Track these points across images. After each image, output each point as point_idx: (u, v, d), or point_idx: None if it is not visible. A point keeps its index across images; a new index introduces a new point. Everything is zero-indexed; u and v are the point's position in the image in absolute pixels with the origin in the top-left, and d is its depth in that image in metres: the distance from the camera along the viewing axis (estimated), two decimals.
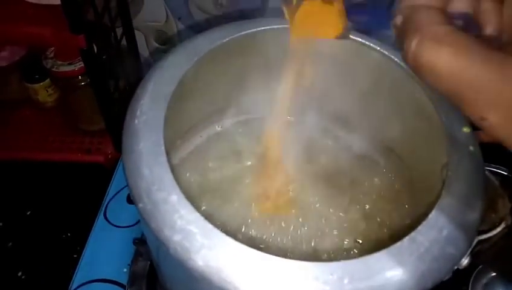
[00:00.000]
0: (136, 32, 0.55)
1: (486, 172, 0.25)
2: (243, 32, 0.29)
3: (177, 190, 0.20)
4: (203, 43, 0.27)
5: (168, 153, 0.21)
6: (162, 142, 0.21)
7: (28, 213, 0.48)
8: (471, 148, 0.24)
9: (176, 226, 0.19)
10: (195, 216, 0.19)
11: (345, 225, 0.29)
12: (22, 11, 0.40)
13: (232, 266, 0.18)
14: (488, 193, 0.24)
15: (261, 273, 0.18)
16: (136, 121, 0.22)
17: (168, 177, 0.20)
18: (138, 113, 0.22)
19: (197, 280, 0.19)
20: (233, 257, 0.18)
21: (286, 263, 0.18)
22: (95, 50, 0.42)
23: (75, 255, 0.44)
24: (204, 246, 0.18)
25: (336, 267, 0.18)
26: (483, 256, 0.25)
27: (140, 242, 0.36)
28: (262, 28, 0.30)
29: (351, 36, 0.30)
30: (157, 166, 0.20)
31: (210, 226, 0.19)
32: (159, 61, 0.25)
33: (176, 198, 0.19)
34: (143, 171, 0.20)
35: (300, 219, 0.29)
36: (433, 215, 0.21)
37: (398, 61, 0.29)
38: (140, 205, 0.20)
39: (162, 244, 0.19)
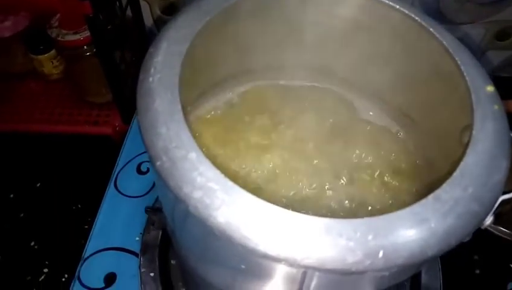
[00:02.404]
0: (141, 2, 0.54)
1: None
2: None
3: (196, 147, 0.19)
4: (216, 1, 0.26)
5: None
6: (178, 100, 0.21)
7: (38, 185, 0.48)
8: (495, 107, 0.23)
9: (196, 183, 0.18)
10: (215, 173, 0.19)
11: (365, 190, 0.28)
12: None
13: (253, 223, 0.18)
14: None
15: (282, 230, 0.18)
16: (151, 79, 0.21)
17: (186, 134, 0.20)
18: (152, 71, 0.22)
19: (217, 238, 0.19)
20: (254, 214, 0.18)
21: (309, 219, 0.18)
22: (101, 19, 0.41)
23: (85, 226, 0.44)
24: (225, 202, 0.18)
25: (359, 223, 0.18)
26: (504, 218, 0.24)
27: (152, 211, 0.36)
28: None
29: None
30: (174, 124, 0.20)
31: (230, 183, 0.18)
32: (171, 20, 0.25)
33: (194, 155, 0.19)
34: (160, 130, 0.20)
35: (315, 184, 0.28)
36: (457, 173, 0.20)
37: (418, 19, 0.28)
38: (158, 163, 0.19)
39: (182, 202, 0.19)
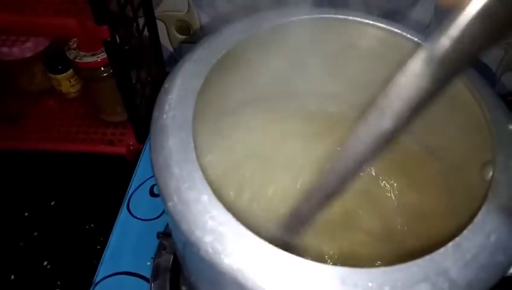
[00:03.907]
0: (157, 22, 0.55)
1: None
2: (272, 24, 0.28)
3: (208, 189, 0.19)
4: (231, 35, 0.26)
5: None
6: (191, 139, 0.20)
7: (52, 203, 0.48)
8: None
9: (207, 227, 0.18)
10: (227, 217, 0.18)
11: (382, 229, 0.27)
12: (48, 2, 0.40)
13: (265, 271, 0.17)
14: None
15: (296, 279, 0.17)
16: (165, 116, 0.21)
17: (199, 176, 0.19)
18: (166, 108, 0.22)
19: (228, 283, 0.18)
20: (267, 261, 0.18)
21: (323, 268, 0.17)
22: (118, 41, 0.41)
23: (98, 246, 0.44)
24: (237, 248, 0.18)
25: (376, 274, 0.17)
26: None
27: (164, 236, 0.36)
28: (292, 18, 0.28)
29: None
30: (187, 164, 0.20)
31: (243, 228, 0.18)
32: (187, 54, 0.25)
33: (206, 198, 0.19)
34: (173, 170, 0.20)
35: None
36: (479, 219, 0.19)
37: None
38: (169, 204, 0.19)
39: (193, 245, 0.18)
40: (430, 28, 0.51)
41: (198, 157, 0.20)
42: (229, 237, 0.18)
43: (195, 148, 0.20)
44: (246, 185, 0.28)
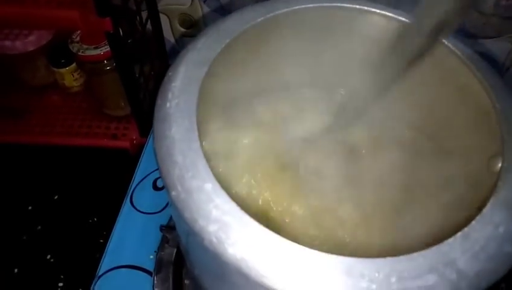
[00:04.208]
0: (160, 15, 0.54)
1: None
2: (276, 12, 0.27)
3: (212, 177, 0.19)
4: (236, 23, 0.26)
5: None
6: (195, 127, 0.20)
7: (56, 197, 0.48)
8: None
9: (211, 216, 0.18)
10: (232, 206, 0.18)
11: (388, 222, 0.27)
12: None
13: (270, 261, 0.17)
14: None
15: (301, 269, 0.17)
16: (168, 105, 0.21)
17: (202, 164, 0.19)
18: (170, 96, 0.21)
19: (232, 273, 0.18)
20: (272, 251, 0.17)
21: (329, 258, 0.17)
22: (121, 34, 0.41)
23: (101, 240, 0.44)
24: (241, 238, 0.17)
25: (382, 264, 0.17)
26: None
27: (167, 229, 0.36)
28: (296, 7, 0.28)
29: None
30: (190, 152, 0.19)
31: (247, 217, 0.18)
32: (191, 42, 0.24)
33: (210, 186, 0.18)
34: (176, 158, 0.19)
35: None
36: (488, 209, 0.19)
37: (444, 41, 0.27)
38: (173, 193, 0.19)
39: (196, 235, 0.18)
40: None
41: (201, 146, 0.19)
42: (233, 227, 0.18)
43: (199, 136, 0.20)
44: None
